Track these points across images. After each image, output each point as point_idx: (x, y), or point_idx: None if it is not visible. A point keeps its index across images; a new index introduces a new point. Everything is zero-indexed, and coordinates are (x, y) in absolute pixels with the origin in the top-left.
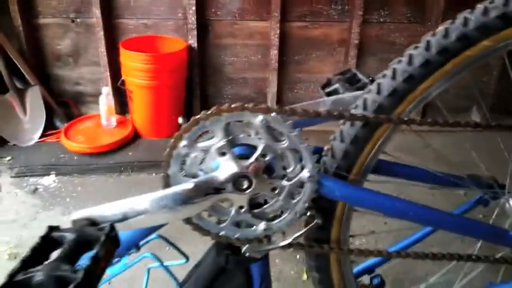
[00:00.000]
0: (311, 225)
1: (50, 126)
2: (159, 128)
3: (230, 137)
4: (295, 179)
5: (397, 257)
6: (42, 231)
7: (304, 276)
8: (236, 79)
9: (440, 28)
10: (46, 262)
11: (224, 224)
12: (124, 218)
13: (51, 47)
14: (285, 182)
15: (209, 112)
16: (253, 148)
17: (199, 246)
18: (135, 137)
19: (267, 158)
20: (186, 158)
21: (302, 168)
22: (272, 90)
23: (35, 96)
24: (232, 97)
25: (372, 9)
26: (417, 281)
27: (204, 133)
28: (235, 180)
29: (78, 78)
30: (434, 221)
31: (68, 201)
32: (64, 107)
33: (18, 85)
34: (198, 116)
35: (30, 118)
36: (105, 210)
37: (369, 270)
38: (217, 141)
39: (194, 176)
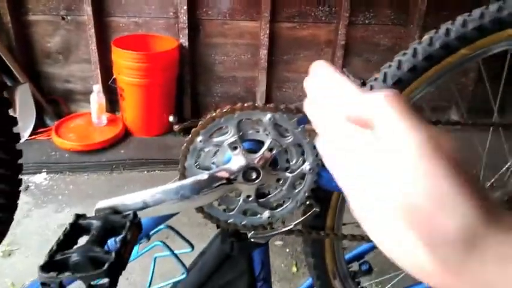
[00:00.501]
0: (310, 212)
1: (39, 124)
2: (150, 126)
3: (241, 133)
4: (298, 171)
5: None
6: (36, 228)
7: (294, 269)
8: (226, 78)
9: (426, 37)
10: (77, 246)
11: (232, 213)
12: (144, 207)
13: (40, 44)
14: (288, 174)
15: (224, 110)
16: (261, 143)
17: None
18: (126, 135)
19: (273, 152)
20: (201, 152)
21: (304, 162)
22: (261, 89)
23: (24, 93)
24: (222, 95)
25: (357, 11)
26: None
27: (218, 130)
28: (245, 172)
29: (68, 75)
30: None
31: (60, 198)
32: (54, 104)
33: (8, 82)
34: (214, 114)
35: (20, 116)
36: (127, 199)
37: (358, 257)
38: (230, 136)
39: (207, 169)
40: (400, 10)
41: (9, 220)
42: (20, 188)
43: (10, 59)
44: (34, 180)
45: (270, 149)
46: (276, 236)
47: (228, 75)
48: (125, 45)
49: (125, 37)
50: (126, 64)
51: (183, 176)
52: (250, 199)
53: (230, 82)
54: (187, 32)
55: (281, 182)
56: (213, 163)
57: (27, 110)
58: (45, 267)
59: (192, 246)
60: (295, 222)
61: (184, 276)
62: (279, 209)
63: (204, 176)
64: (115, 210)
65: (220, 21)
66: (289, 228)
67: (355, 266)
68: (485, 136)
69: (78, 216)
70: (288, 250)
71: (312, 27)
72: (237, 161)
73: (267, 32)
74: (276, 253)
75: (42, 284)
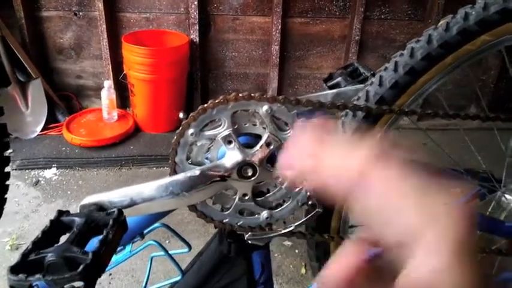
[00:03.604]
0: (312, 213)
1: (51, 120)
2: (160, 123)
3: (236, 126)
4: None
5: None
6: (44, 223)
7: (303, 270)
8: (237, 74)
9: (442, 22)
10: (56, 244)
11: (228, 212)
12: (131, 204)
13: (53, 40)
14: None
15: (216, 101)
16: (258, 138)
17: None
18: (136, 131)
19: (271, 147)
20: (193, 146)
21: None
22: (273, 85)
23: (37, 89)
24: (233, 92)
25: (373, 6)
26: None
27: (211, 122)
28: (240, 168)
29: (80, 71)
30: None
31: (70, 194)
32: (65, 100)
33: (20, 78)
34: (205, 104)
35: (32, 111)
36: (113, 196)
37: None
38: (223, 130)
39: (200, 164)
40: (417, 4)
41: None
42: (8, 182)
43: (23, 54)
44: (44, 175)
45: (268, 144)
46: (280, 237)
47: (239, 72)
48: (136, 41)
49: (135, 33)
50: (136, 60)
51: (173, 172)
52: (246, 198)
53: (241, 79)
54: (197, 27)
55: (280, 179)
56: (207, 158)
57: (40, 106)
58: (15, 269)
59: (190, 247)
60: (296, 223)
61: (179, 277)
62: (278, 209)
63: (195, 172)
64: (100, 207)
65: (231, 16)
66: (289, 229)
67: None
68: (506, 134)
69: (61, 213)
70: (297, 251)
71: (325, 22)
72: (232, 156)
73: (279, 27)
74: (284, 253)
75: (11, 287)
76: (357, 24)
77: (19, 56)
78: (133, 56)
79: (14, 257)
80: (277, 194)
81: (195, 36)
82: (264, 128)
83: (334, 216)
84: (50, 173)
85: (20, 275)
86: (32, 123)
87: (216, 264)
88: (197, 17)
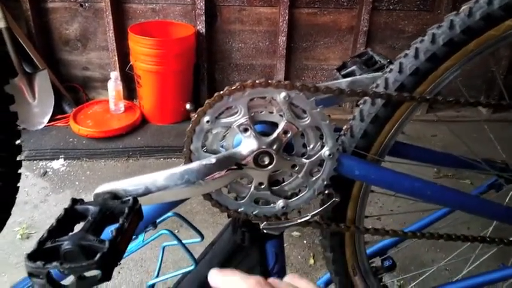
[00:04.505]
0: (329, 202)
1: (58, 111)
2: (166, 114)
3: (252, 114)
4: (315, 157)
5: (412, 237)
6: (53, 212)
7: (311, 261)
8: (243, 66)
9: (464, 7)
10: (72, 233)
11: (243, 201)
12: (146, 192)
13: (59, 32)
14: (304, 160)
15: (233, 88)
16: (275, 125)
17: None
18: (143, 122)
19: (288, 135)
20: (209, 134)
21: (322, 147)
22: (279, 77)
23: (43, 80)
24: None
25: None
26: (424, 266)
27: (227, 110)
28: (257, 156)
29: (86, 63)
30: (452, 201)
31: (78, 184)
32: (72, 91)
33: (27, 69)
34: (222, 91)
35: (39, 102)
36: (128, 184)
37: (381, 252)
38: (240, 117)
39: (215, 152)
40: None
41: (10, 202)
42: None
43: (30, 46)
44: (52, 166)
45: (285, 132)
46: (293, 226)
47: (245, 63)
48: (142, 32)
49: (141, 24)
50: (142, 50)
51: (189, 160)
52: (262, 187)
53: (248, 70)
54: (204, 18)
55: (297, 168)
56: (222, 146)
57: (46, 97)
58: (33, 256)
59: (202, 236)
60: (313, 213)
61: (192, 267)
62: (294, 198)
63: (211, 159)
64: (115, 195)
65: (237, 7)
66: (305, 219)
67: (376, 262)
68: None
69: (75, 201)
70: (305, 241)
71: (333, 12)
72: (248, 144)
73: (286, 18)
74: (292, 244)
75: (29, 274)
76: (365, 15)
77: (25, 48)
78: (140, 47)
79: (25, 246)
80: (293, 183)
81: (201, 27)
82: (281, 116)
83: (350, 205)
84: (58, 163)
85: (38, 262)
86: (39, 114)
87: (229, 253)
88: (203, 7)
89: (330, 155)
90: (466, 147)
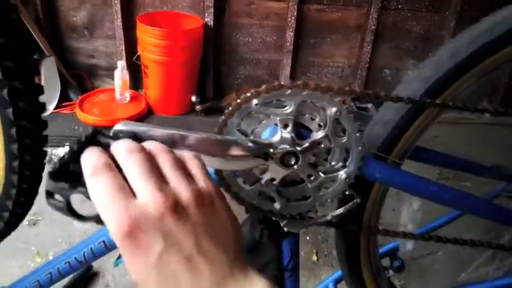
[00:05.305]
0: (351, 203)
1: (63, 98)
2: (172, 105)
3: (296, 113)
4: (332, 175)
5: (422, 239)
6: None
7: (314, 258)
8: (250, 60)
9: None
10: None
11: (248, 188)
12: (169, 145)
13: (66, 19)
14: (321, 174)
15: (295, 83)
16: (309, 130)
17: None
18: (148, 112)
19: (321, 147)
20: (249, 115)
21: (343, 168)
22: (285, 72)
23: (50, 66)
24: (245, 78)
25: None
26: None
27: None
28: (285, 154)
29: (92, 51)
30: (468, 206)
31: None
32: (78, 79)
33: (34, 55)
34: (284, 83)
35: (46, 89)
36: (153, 130)
37: (391, 253)
38: (287, 112)
39: (244, 134)
40: None
41: (34, 192)
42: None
43: (37, 32)
44: (57, 153)
45: (319, 143)
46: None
47: (251, 57)
48: (150, 22)
49: (150, 14)
50: (150, 41)
51: (220, 131)
52: (273, 183)
53: (253, 64)
54: (212, 10)
55: (312, 178)
56: (252, 132)
57: (53, 84)
58: (56, 175)
59: None
60: (334, 213)
61: None
62: (294, 203)
63: (246, 141)
64: (135, 136)
65: (246, 0)
66: (327, 219)
67: (385, 262)
68: None
69: (96, 132)
70: (308, 238)
71: (341, 10)
72: (284, 140)
73: (295, 13)
74: None
75: (48, 193)
76: (374, 13)
77: (33, 33)
78: (148, 37)
79: (32, 232)
80: (300, 191)
81: (209, 19)
82: (320, 126)
83: (368, 206)
84: (63, 151)
85: (63, 183)
86: (45, 100)
87: (247, 249)
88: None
89: (346, 178)
90: (469, 151)
